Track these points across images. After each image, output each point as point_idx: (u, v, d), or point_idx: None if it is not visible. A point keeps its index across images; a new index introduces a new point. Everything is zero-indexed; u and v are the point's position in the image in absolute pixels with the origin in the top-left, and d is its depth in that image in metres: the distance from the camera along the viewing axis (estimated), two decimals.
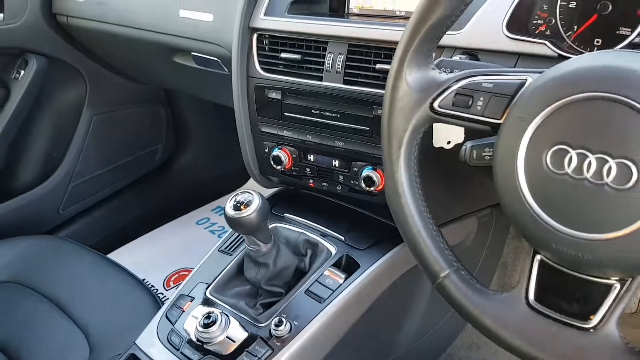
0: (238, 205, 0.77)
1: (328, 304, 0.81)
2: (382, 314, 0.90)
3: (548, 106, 0.49)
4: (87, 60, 1.41)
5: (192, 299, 0.87)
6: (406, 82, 0.58)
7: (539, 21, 0.76)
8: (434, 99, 0.58)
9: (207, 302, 0.86)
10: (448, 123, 0.59)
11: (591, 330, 0.51)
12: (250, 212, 0.76)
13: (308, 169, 0.95)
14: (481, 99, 0.55)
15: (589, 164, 0.47)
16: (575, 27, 0.73)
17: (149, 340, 0.83)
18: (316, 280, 0.85)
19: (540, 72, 0.53)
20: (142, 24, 1.14)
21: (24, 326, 1.01)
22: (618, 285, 0.51)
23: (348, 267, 0.87)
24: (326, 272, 0.86)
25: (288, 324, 0.78)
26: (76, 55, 1.38)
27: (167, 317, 0.85)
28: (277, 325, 0.78)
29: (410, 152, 0.60)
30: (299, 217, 0.97)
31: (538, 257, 0.55)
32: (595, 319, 0.51)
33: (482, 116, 0.55)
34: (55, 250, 1.19)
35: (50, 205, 1.46)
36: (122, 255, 1.58)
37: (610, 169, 0.46)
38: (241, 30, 0.93)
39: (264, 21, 0.92)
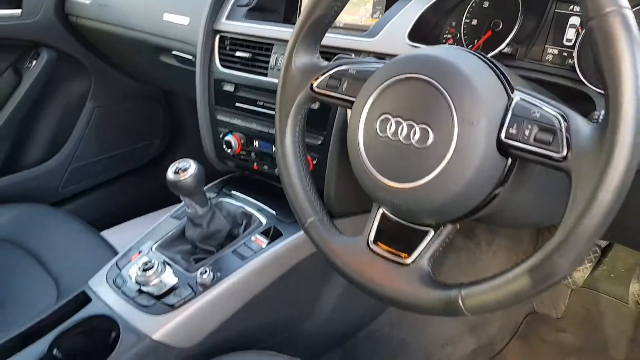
0: (177, 170, 0.92)
1: (248, 262, 0.95)
2: (301, 282, 1.03)
3: (381, 84, 0.63)
4: (93, 57, 1.60)
5: (140, 252, 1.02)
6: (294, 66, 0.73)
7: (448, 35, 0.91)
8: (314, 81, 0.72)
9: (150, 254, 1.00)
10: (324, 102, 0.73)
11: (410, 264, 0.64)
12: (187, 177, 0.91)
13: (253, 154, 1.10)
14: (346, 82, 0.70)
15: (402, 128, 0.60)
16: (476, 40, 0.88)
17: (99, 281, 0.98)
18: (243, 243, 0.99)
19: None
20: (134, 25, 1.32)
21: (4, 275, 1.18)
22: (432, 232, 0.64)
23: (273, 235, 1.01)
24: (253, 238, 1.00)
25: (212, 274, 0.92)
26: (83, 51, 1.57)
27: (117, 264, 1.00)
28: (202, 274, 0.92)
29: (295, 123, 0.74)
30: (242, 194, 1.12)
31: (380, 210, 0.69)
32: (412, 257, 0.64)
33: (345, 95, 0.70)
34: (47, 217, 1.36)
35: (51, 183, 1.63)
36: (111, 233, 1.73)
37: (415, 132, 0.59)
38: (205, 32, 1.10)
39: (224, 24, 1.09)
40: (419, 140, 0.59)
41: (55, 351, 0.89)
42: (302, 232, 0.99)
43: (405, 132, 0.60)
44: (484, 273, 1.31)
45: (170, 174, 0.92)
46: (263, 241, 0.99)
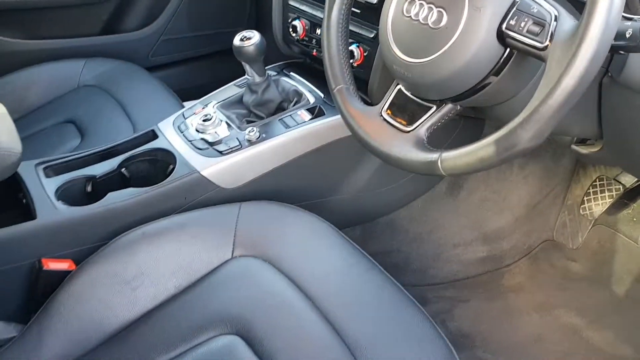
0: (243, 38, 1.06)
1: (291, 130, 1.10)
2: (335, 158, 1.16)
3: None
4: None
5: (204, 107, 1.18)
6: None
7: None
8: None
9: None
10: None
11: (409, 132, 0.76)
12: (250, 44, 1.06)
13: (314, 40, 1.22)
14: None
15: (423, 10, 0.70)
16: None
17: (166, 124, 1.15)
18: (290, 114, 1.13)
19: None
20: None
21: (91, 113, 1.39)
22: (434, 108, 0.75)
23: (317, 113, 1.14)
24: (299, 112, 1.14)
25: (258, 134, 1.08)
26: None
27: (183, 114, 1.18)
28: (250, 132, 1.08)
29: (342, 1, 0.85)
30: (299, 76, 1.25)
31: (398, 86, 0.80)
32: (412, 126, 0.76)
33: None
34: (136, 74, 1.56)
35: (143, 49, 1.83)
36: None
37: (433, 14, 0.69)
38: None
39: None
40: (434, 21, 0.69)
41: (123, 169, 1.09)
42: None
43: (425, 13, 0.70)
44: (510, 193, 1.40)
45: (236, 40, 1.07)
46: (307, 116, 1.13)
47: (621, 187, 1.34)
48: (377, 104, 0.82)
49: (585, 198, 1.37)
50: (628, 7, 0.71)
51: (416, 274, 1.33)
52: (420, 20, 0.70)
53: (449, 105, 0.74)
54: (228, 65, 2.02)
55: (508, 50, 0.67)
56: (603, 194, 1.35)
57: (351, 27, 1.11)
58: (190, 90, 1.85)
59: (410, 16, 0.72)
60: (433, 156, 0.70)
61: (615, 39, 0.59)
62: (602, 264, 1.33)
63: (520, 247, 1.39)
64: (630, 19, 0.64)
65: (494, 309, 1.28)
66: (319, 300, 0.86)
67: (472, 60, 0.67)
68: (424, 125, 0.75)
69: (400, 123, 0.77)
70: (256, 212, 1.02)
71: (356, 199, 1.24)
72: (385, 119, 0.79)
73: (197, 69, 1.99)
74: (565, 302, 1.28)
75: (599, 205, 1.35)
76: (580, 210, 1.37)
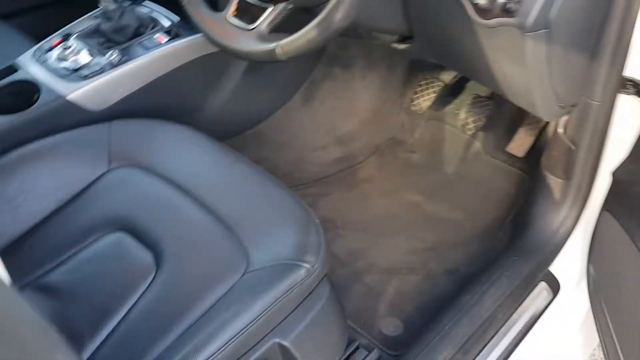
0: None
1: (151, 51, 1.19)
2: (196, 75, 1.28)
3: None
4: None
5: (62, 39, 1.22)
6: None
7: None
8: None
9: None
10: None
11: (252, 30, 0.90)
12: None
13: None
14: None
15: None
16: None
17: (26, 58, 1.18)
18: (147, 37, 1.22)
19: None
20: None
21: None
22: (271, 7, 0.90)
23: (174, 35, 1.24)
24: (156, 35, 1.23)
25: (119, 57, 1.16)
26: None
27: (41, 47, 1.21)
28: (110, 56, 1.15)
29: None
30: (153, 3, 1.32)
31: None
32: (254, 24, 0.90)
33: None
34: None
35: None
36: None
37: None
38: None
39: None
40: None
41: None
42: (198, 35, 1.24)
43: None
44: (355, 100, 1.61)
45: None
46: (165, 38, 1.22)
47: (442, 83, 1.60)
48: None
49: (414, 97, 1.62)
50: None
51: (284, 178, 1.50)
52: None
53: (283, 4, 0.89)
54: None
55: None
56: (428, 91, 1.61)
57: None
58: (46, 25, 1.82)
59: None
60: (272, 45, 0.85)
61: None
62: (435, 152, 1.60)
63: (369, 146, 1.62)
64: None
65: (351, 197, 1.49)
66: (194, 191, 0.99)
67: None
68: (264, 22, 0.89)
69: (244, 23, 0.91)
70: (128, 128, 1.11)
71: (224, 113, 1.36)
72: (231, 22, 0.92)
73: (49, 16, 1.94)
74: (407, 186, 1.53)
75: (426, 101, 1.60)
76: (412, 107, 1.62)
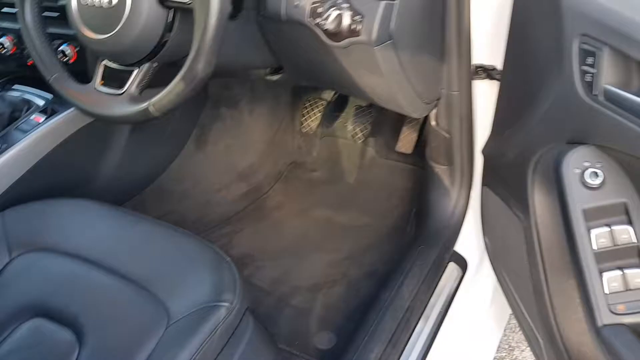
0: None
1: (29, 134, 1.18)
2: (82, 147, 1.27)
3: None
4: None
5: None
6: None
7: None
8: None
9: None
10: None
11: (122, 94, 0.93)
12: None
13: (24, 50, 1.29)
14: None
15: None
16: None
17: None
18: (24, 121, 1.21)
19: None
20: None
21: None
22: (136, 69, 0.93)
23: (50, 113, 1.24)
24: (32, 117, 1.22)
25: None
26: None
27: None
28: None
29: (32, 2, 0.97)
30: (23, 86, 1.32)
31: (103, 61, 0.96)
32: (124, 89, 0.93)
33: None
34: None
35: None
36: None
37: None
38: None
39: None
40: (107, 2, 0.86)
41: None
42: (74, 108, 1.24)
43: None
44: (248, 135, 1.66)
45: None
46: (42, 117, 1.22)
47: (325, 101, 1.70)
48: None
49: (302, 120, 1.70)
50: None
51: (194, 225, 1.52)
52: (96, 4, 0.87)
53: (147, 64, 0.93)
54: None
55: (171, 11, 0.87)
56: (314, 111, 1.70)
57: (55, 29, 1.22)
58: None
59: (87, 3, 0.88)
60: (144, 105, 0.88)
61: None
62: (334, 166, 1.68)
63: (272, 175, 1.68)
64: None
65: (264, 228, 1.54)
66: (102, 260, 0.99)
67: (146, 26, 0.86)
68: (133, 85, 0.93)
69: (113, 89, 0.94)
70: (22, 214, 1.09)
71: (118, 177, 1.37)
72: (100, 91, 0.94)
73: None
74: (315, 203, 1.60)
75: (314, 121, 1.69)
76: (302, 129, 1.70)
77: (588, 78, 0.69)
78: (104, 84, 0.95)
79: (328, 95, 1.70)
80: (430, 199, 1.30)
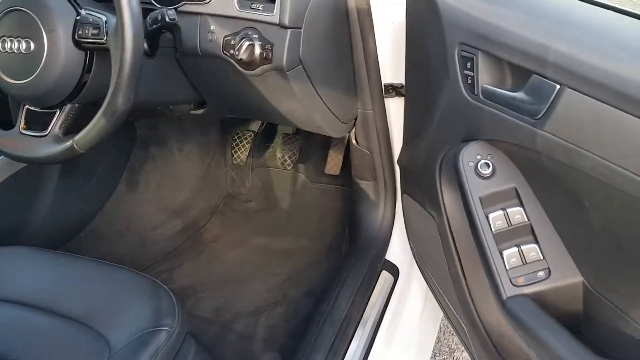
0: None
1: None
2: (9, 195, 1.28)
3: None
4: None
5: None
6: None
7: None
8: None
9: None
10: None
11: (47, 135, 0.95)
12: None
13: None
14: None
15: (14, 43, 0.90)
16: None
17: None
18: None
19: None
20: None
21: None
22: (58, 111, 0.96)
23: None
24: None
25: None
26: None
27: None
28: None
29: None
30: None
31: (25, 106, 0.98)
32: (47, 130, 0.95)
33: None
34: None
35: None
36: None
37: (22, 44, 0.89)
38: None
39: None
40: (25, 49, 0.90)
41: None
42: (1, 157, 1.25)
43: (16, 45, 0.90)
44: (179, 172, 1.69)
45: None
46: None
47: (252, 133, 1.76)
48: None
49: (233, 152, 1.76)
50: None
51: (132, 265, 1.52)
52: (15, 51, 0.90)
53: (69, 105, 0.96)
54: None
55: (88, 52, 0.92)
56: (243, 143, 1.75)
57: None
58: None
59: (6, 51, 0.91)
60: (68, 143, 0.91)
61: (152, 22, 0.90)
62: (268, 195, 1.73)
63: (207, 209, 1.71)
64: (153, 10, 0.95)
65: (203, 260, 1.56)
66: (40, 303, 0.99)
67: (65, 68, 0.90)
68: (56, 126, 0.95)
69: (37, 132, 0.96)
70: None
71: (51, 222, 1.37)
72: (25, 134, 0.97)
73: None
74: (252, 233, 1.64)
75: (244, 152, 1.75)
76: (233, 161, 1.75)
77: (469, 80, 0.79)
78: (27, 128, 0.97)
79: (255, 126, 1.76)
80: (359, 213, 1.37)
